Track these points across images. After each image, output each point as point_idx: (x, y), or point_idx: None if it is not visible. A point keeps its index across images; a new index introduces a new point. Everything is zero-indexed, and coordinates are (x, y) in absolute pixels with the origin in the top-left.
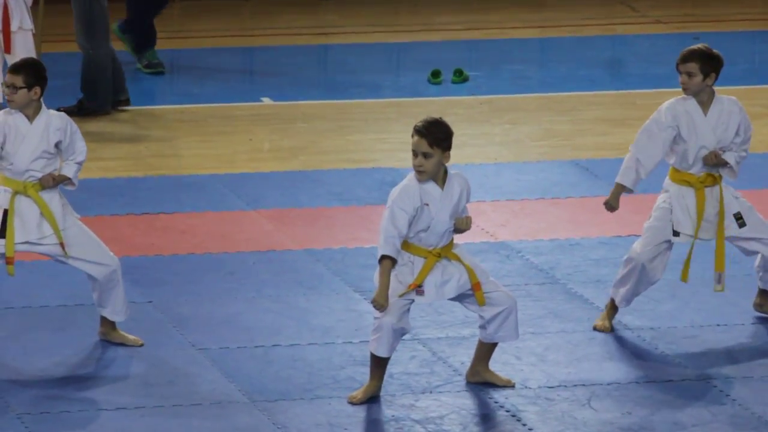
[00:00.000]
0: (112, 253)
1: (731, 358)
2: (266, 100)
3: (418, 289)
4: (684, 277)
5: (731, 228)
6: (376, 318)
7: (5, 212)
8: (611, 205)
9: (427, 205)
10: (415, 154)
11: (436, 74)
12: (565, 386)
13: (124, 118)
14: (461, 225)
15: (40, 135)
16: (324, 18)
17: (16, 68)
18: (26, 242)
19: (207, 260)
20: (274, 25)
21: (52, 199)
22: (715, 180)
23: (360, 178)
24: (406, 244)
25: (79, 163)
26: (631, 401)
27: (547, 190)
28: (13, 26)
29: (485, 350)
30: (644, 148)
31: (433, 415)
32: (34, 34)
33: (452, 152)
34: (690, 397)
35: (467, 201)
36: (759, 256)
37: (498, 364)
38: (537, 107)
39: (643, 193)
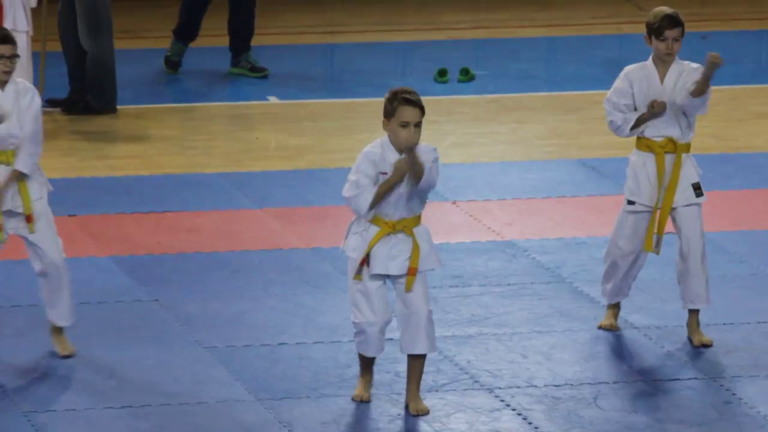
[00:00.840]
0: (63, 254)
1: (738, 357)
2: (273, 99)
3: (364, 258)
4: (648, 246)
5: (685, 197)
6: (354, 322)
7: None
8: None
9: (385, 174)
10: (407, 125)
11: (442, 73)
12: (572, 385)
13: (131, 117)
14: (398, 164)
15: (12, 102)
16: (331, 17)
17: (8, 38)
18: (6, 211)
19: (213, 259)
20: (281, 24)
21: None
22: (676, 147)
23: None
24: None
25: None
26: (638, 400)
27: (553, 189)
28: (6, 25)
29: (409, 368)
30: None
31: (440, 413)
32: (31, 36)
33: (459, 151)
34: (696, 395)
35: (435, 174)
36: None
37: (504, 363)
38: (543, 106)
39: None
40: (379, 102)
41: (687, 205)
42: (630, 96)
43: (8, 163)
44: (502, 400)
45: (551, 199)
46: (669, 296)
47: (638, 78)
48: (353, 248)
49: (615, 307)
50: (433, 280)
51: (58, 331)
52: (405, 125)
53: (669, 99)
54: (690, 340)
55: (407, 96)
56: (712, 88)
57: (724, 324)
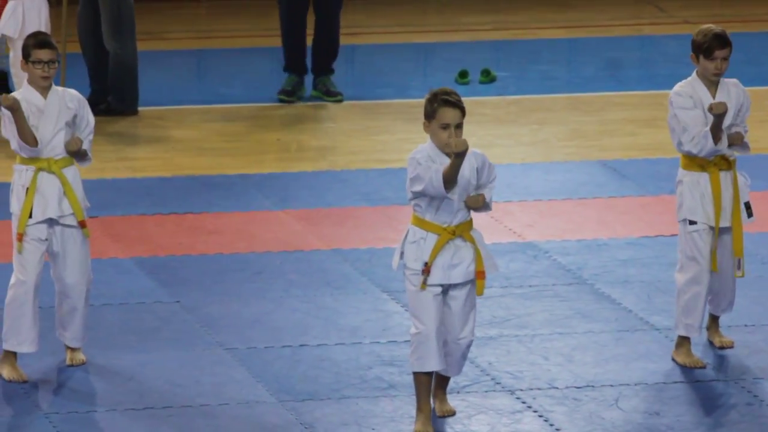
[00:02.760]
0: (90, 276)
1: (760, 359)
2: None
3: (424, 268)
4: (714, 267)
5: (741, 216)
6: (414, 333)
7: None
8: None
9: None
10: (447, 126)
11: (463, 74)
12: (593, 386)
13: (152, 119)
14: (470, 203)
15: (57, 109)
16: (352, 18)
17: (48, 42)
18: (47, 220)
19: (235, 260)
20: None
21: (75, 176)
22: (729, 164)
23: (388, 179)
24: (419, 220)
25: (90, 140)
26: (659, 402)
27: (574, 191)
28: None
29: (437, 374)
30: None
31: (461, 415)
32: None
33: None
34: (718, 397)
35: (487, 179)
36: None
37: (525, 365)
38: (564, 107)
39: (669, 194)
40: (400, 103)
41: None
42: (697, 105)
43: (50, 171)
44: (524, 402)
45: (572, 201)
46: None
47: (691, 94)
48: (414, 258)
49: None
50: None
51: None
52: (445, 127)
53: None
54: (711, 342)
55: (447, 97)
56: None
57: (746, 325)
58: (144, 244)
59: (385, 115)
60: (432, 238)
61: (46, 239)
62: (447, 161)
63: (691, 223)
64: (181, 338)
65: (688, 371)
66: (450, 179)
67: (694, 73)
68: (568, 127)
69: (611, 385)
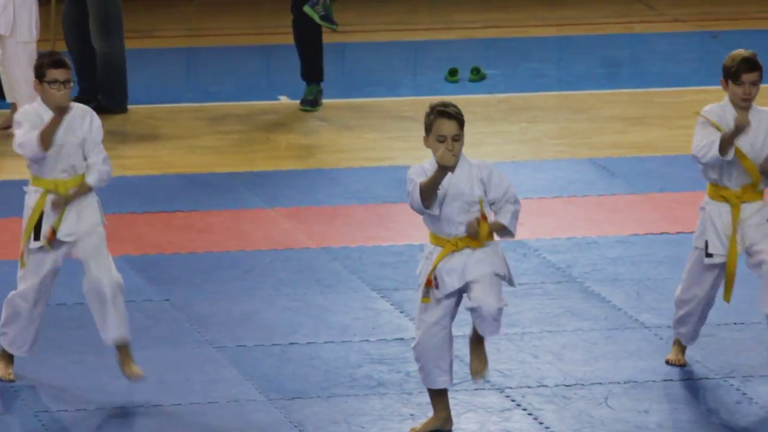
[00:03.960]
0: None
1: (749, 357)
2: (284, 99)
3: (433, 281)
4: (726, 297)
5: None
6: (413, 345)
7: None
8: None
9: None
10: (444, 139)
11: (453, 72)
12: (582, 385)
13: (142, 117)
14: (470, 228)
15: (66, 128)
16: (342, 16)
17: (63, 62)
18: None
19: (224, 258)
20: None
21: (90, 197)
22: (754, 195)
23: (378, 177)
24: (430, 234)
25: (101, 170)
26: (648, 400)
27: (564, 189)
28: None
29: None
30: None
31: (451, 413)
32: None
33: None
34: (707, 395)
35: (499, 194)
36: None
37: (514, 363)
38: (554, 105)
39: (659, 192)
40: (390, 101)
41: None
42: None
43: (57, 192)
44: (513, 400)
45: (562, 199)
46: None
47: (720, 115)
48: (420, 272)
49: (681, 344)
50: None
51: (122, 350)
52: (442, 139)
53: (752, 142)
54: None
55: (443, 108)
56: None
57: (735, 323)
58: (134, 242)
59: (374, 114)
60: (437, 251)
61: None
62: (446, 179)
63: (708, 255)
64: (170, 336)
65: (678, 370)
66: (427, 193)
67: (726, 98)
68: (558, 125)
69: (601, 383)
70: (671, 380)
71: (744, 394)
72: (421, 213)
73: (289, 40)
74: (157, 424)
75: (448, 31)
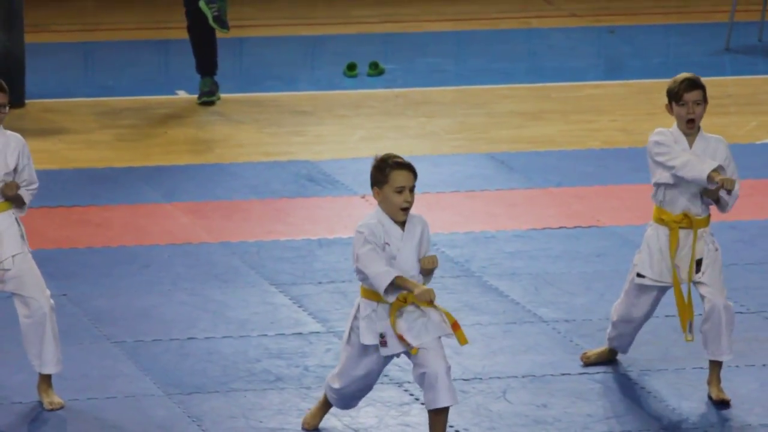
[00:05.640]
0: (48, 293)
1: (646, 351)
2: (182, 93)
3: (381, 340)
4: (686, 336)
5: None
6: (332, 386)
7: None
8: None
9: (388, 245)
10: (402, 190)
11: (351, 67)
12: (481, 379)
13: (39, 111)
14: (427, 264)
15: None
16: (240, 11)
17: (3, 87)
18: None
19: (122, 253)
20: None
21: (11, 225)
22: (692, 222)
23: (276, 171)
24: (366, 291)
25: (33, 192)
26: (546, 393)
27: (462, 183)
28: None
29: (430, 425)
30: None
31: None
32: None
33: (368, 145)
34: (605, 389)
35: (428, 243)
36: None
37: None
38: (452, 100)
39: (556, 187)
40: (287, 96)
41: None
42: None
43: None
44: (411, 394)
45: (460, 193)
46: (577, 290)
47: (671, 142)
48: (369, 333)
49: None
50: (342, 274)
51: (45, 380)
52: (401, 190)
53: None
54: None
55: (398, 161)
56: (621, 82)
57: None
58: (31, 237)
59: (272, 108)
60: (383, 308)
61: None
62: (397, 232)
63: (639, 276)
64: (68, 331)
65: (576, 364)
66: (392, 291)
67: (674, 124)
68: (455, 120)
69: (499, 378)
70: (569, 374)
71: (642, 387)
72: (371, 288)
73: (186, 34)
74: (54, 419)
75: (346, 25)
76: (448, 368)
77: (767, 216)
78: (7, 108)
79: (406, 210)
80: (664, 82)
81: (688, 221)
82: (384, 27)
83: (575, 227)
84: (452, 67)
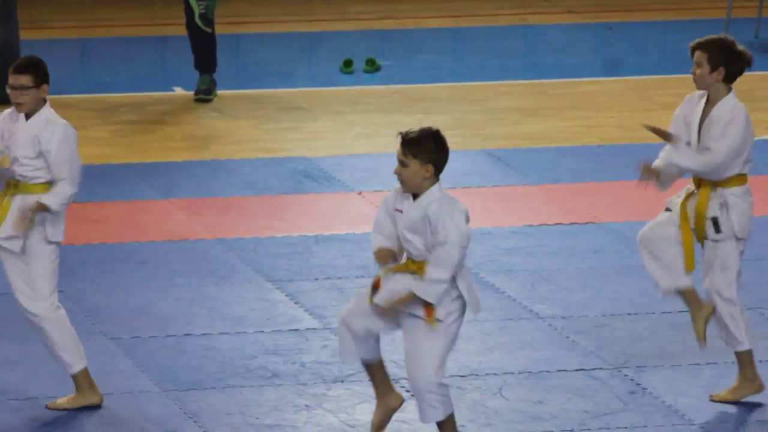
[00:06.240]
0: (48, 304)
1: (643, 347)
2: (178, 90)
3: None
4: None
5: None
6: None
7: None
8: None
9: (400, 211)
10: (400, 161)
11: (348, 64)
12: (477, 375)
13: None
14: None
15: (27, 136)
16: (236, 7)
17: (17, 67)
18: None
19: (119, 249)
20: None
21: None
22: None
23: (273, 168)
24: None
25: (60, 196)
26: (543, 390)
27: (459, 180)
28: None
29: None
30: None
31: (346, 404)
32: None
33: (365, 141)
34: (601, 385)
35: (436, 226)
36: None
37: None
38: (449, 97)
39: (553, 183)
40: (284, 92)
41: (711, 240)
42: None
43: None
44: (408, 391)
45: (457, 190)
46: (574, 286)
47: (691, 104)
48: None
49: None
50: (339, 270)
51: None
52: (398, 161)
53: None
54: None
55: (401, 133)
56: (618, 79)
57: (629, 314)
58: None
59: (269, 105)
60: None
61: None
62: (409, 202)
63: (668, 209)
64: None
65: (572, 360)
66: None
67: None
68: (452, 116)
69: (495, 374)
70: (565, 371)
71: (638, 384)
72: None
73: (184, 31)
74: (50, 416)
75: (343, 22)
76: (430, 379)
77: (764, 213)
78: (33, 90)
79: (399, 180)
80: (662, 79)
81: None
82: (381, 23)
83: (572, 224)
84: (449, 64)
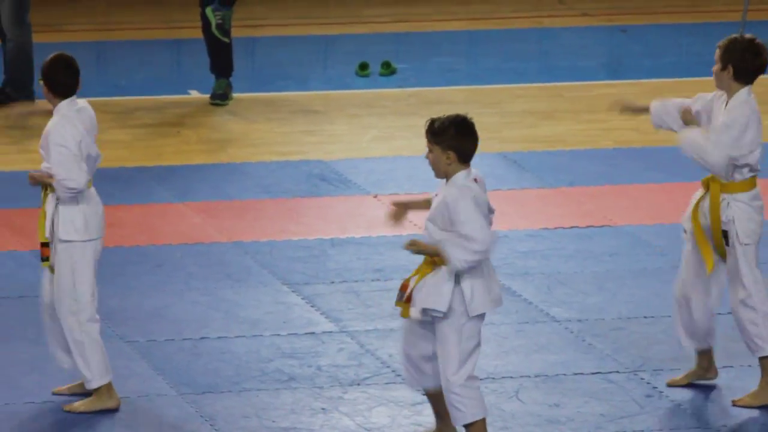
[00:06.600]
0: (76, 311)
1: (658, 350)
2: (194, 93)
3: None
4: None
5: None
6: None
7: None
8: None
9: (437, 195)
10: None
11: (363, 67)
12: (493, 378)
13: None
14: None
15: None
16: (252, 10)
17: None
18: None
19: (135, 253)
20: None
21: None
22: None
23: (288, 171)
24: None
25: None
26: (559, 393)
27: None
28: None
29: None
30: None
31: (362, 407)
32: None
33: (381, 144)
34: (617, 389)
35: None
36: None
37: None
38: (464, 100)
39: (569, 186)
40: (300, 95)
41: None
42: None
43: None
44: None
45: None
46: (590, 290)
47: (705, 100)
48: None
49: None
50: (355, 273)
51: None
52: None
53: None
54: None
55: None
56: (633, 82)
57: (645, 317)
58: None
59: (285, 108)
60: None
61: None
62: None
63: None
64: None
65: (588, 363)
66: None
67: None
68: None
69: (511, 377)
70: (582, 374)
71: (654, 387)
72: None
73: (199, 34)
74: (68, 419)
75: (359, 25)
76: (451, 379)
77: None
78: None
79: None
80: (676, 82)
81: (707, 182)
82: (396, 26)
83: (588, 227)
84: (464, 67)
